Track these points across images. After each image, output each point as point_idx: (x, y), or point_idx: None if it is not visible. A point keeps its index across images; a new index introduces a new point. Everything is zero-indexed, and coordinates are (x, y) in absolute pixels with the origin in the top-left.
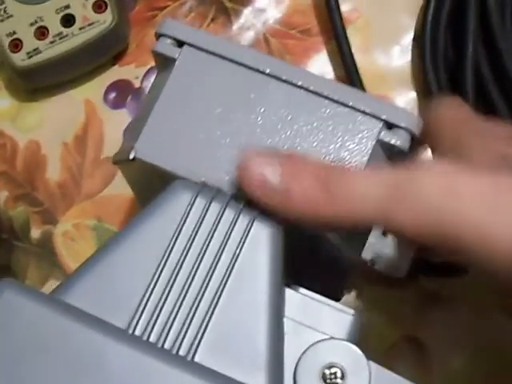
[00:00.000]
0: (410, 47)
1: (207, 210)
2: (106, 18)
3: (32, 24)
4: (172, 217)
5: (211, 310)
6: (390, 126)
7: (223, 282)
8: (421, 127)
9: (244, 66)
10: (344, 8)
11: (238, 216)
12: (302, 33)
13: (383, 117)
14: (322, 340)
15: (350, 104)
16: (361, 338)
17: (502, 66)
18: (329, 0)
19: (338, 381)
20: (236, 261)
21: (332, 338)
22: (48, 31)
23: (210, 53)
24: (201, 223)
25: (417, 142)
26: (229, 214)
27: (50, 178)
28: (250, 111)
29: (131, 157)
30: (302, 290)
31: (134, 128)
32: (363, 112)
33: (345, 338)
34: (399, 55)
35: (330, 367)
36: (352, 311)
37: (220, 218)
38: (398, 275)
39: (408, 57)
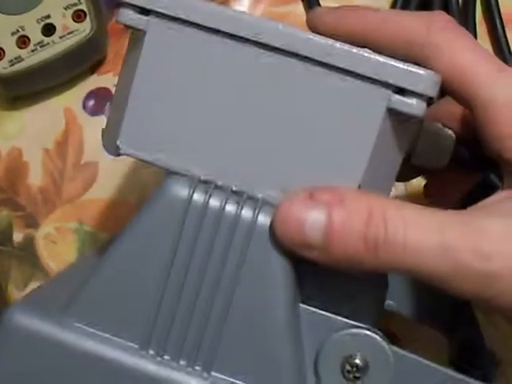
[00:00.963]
0: None
1: (206, 209)
2: (86, 27)
3: (14, 33)
4: (171, 221)
5: (223, 319)
6: (400, 90)
7: (232, 288)
8: (438, 85)
9: (223, 33)
10: None
11: (240, 212)
12: None
13: (391, 81)
14: (342, 329)
15: (351, 69)
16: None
17: None
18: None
19: (358, 374)
20: (244, 259)
21: (352, 325)
22: (29, 40)
23: (183, 21)
24: (201, 225)
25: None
26: (230, 211)
27: (32, 183)
28: (236, 89)
29: (116, 153)
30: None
31: (116, 111)
32: (367, 78)
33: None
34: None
35: (350, 359)
36: None
37: (221, 217)
38: (439, 167)
39: None
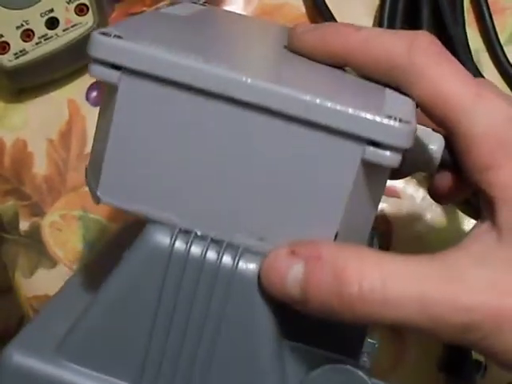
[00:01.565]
0: None
1: (187, 257)
2: (88, 20)
3: (18, 27)
4: (154, 268)
5: (209, 360)
6: (374, 142)
7: (217, 331)
8: (413, 135)
9: (192, 87)
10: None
11: (221, 259)
12: None
13: (365, 135)
14: (325, 363)
15: (325, 123)
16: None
17: (453, 49)
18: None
19: None
20: (227, 303)
21: (335, 360)
22: (33, 33)
23: (152, 76)
24: (183, 273)
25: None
26: (211, 259)
27: (37, 172)
28: (208, 142)
29: (97, 201)
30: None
31: (95, 157)
32: (341, 132)
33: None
34: None
35: None
36: None
37: (202, 264)
38: (429, 171)
39: None
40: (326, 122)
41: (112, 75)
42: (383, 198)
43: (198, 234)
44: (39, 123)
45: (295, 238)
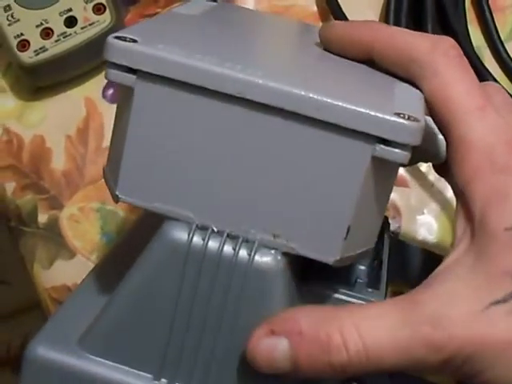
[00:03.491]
0: None
1: (205, 252)
2: (106, 19)
3: (38, 26)
4: (173, 263)
5: (228, 349)
6: (384, 140)
7: (235, 321)
8: (422, 132)
9: (206, 90)
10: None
11: (237, 253)
12: None
13: (375, 133)
14: None
15: (334, 122)
16: None
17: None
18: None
19: None
20: (243, 297)
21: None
22: (53, 32)
23: (167, 78)
24: (201, 267)
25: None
26: (227, 253)
27: (55, 167)
28: (224, 142)
29: (116, 200)
30: None
31: (113, 155)
32: (351, 131)
33: None
34: None
35: None
36: None
37: (219, 259)
38: (438, 161)
39: None
40: (336, 121)
41: (128, 78)
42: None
43: (215, 230)
44: (57, 120)
45: (309, 234)
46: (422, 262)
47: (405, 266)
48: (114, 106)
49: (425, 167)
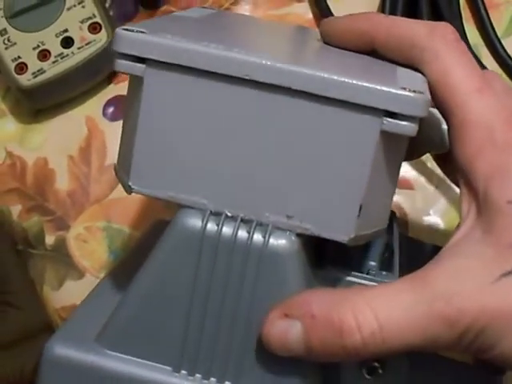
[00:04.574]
0: None
1: (219, 238)
2: (102, 37)
3: (35, 48)
4: (188, 251)
5: (246, 336)
6: (392, 113)
7: (251, 308)
8: (428, 104)
9: (214, 74)
10: None
11: (252, 237)
12: None
13: (383, 107)
14: None
15: (344, 99)
16: None
17: None
18: None
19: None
20: (259, 280)
21: None
22: (50, 53)
23: (176, 65)
24: (216, 253)
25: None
26: (242, 238)
27: (60, 188)
28: (235, 126)
29: (129, 192)
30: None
31: (124, 149)
32: (360, 105)
33: None
34: None
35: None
36: None
37: (234, 244)
38: (443, 150)
39: None
40: (343, 97)
41: (137, 68)
42: (397, 190)
43: (229, 215)
44: (59, 141)
45: (322, 213)
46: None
47: (415, 261)
48: (115, 123)
49: (428, 168)
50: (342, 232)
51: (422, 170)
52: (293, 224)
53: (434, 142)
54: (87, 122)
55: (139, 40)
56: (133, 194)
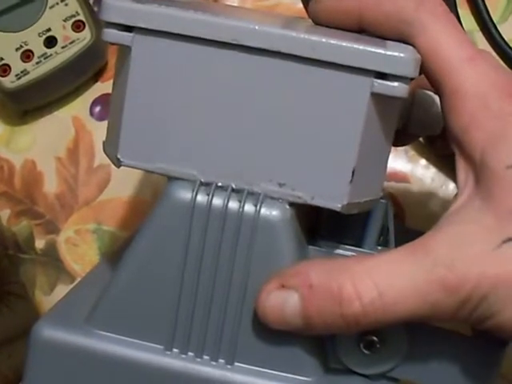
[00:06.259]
0: None
1: (210, 209)
2: (86, 36)
3: (17, 49)
4: (179, 224)
5: (239, 311)
6: (382, 74)
7: (245, 280)
8: (418, 64)
9: (203, 40)
10: None
11: (243, 207)
12: None
13: (372, 67)
14: None
15: (333, 60)
16: None
17: None
18: None
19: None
20: (252, 251)
21: None
22: (33, 53)
23: (164, 33)
24: (207, 225)
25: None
26: (233, 208)
27: (48, 191)
28: (223, 92)
29: (118, 165)
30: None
31: (113, 123)
32: (349, 67)
33: None
34: None
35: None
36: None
37: (225, 215)
38: (435, 133)
39: None
40: (333, 59)
41: (125, 37)
42: (393, 183)
43: (219, 185)
44: (46, 143)
45: (314, 180)
46: None
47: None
48: (103, 123)
49: (424, 161)
50: (335, 199)
51: (418, 163)
52: (285, 192)
53: (426, 125)
54: (74, 122)
55: (126, 8)
56: (122, 167)
